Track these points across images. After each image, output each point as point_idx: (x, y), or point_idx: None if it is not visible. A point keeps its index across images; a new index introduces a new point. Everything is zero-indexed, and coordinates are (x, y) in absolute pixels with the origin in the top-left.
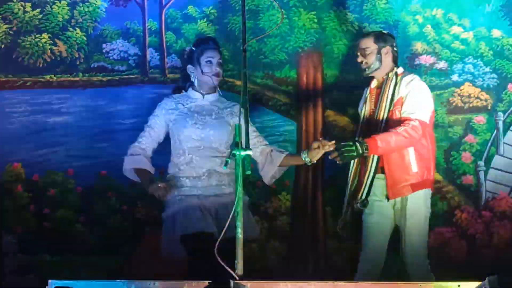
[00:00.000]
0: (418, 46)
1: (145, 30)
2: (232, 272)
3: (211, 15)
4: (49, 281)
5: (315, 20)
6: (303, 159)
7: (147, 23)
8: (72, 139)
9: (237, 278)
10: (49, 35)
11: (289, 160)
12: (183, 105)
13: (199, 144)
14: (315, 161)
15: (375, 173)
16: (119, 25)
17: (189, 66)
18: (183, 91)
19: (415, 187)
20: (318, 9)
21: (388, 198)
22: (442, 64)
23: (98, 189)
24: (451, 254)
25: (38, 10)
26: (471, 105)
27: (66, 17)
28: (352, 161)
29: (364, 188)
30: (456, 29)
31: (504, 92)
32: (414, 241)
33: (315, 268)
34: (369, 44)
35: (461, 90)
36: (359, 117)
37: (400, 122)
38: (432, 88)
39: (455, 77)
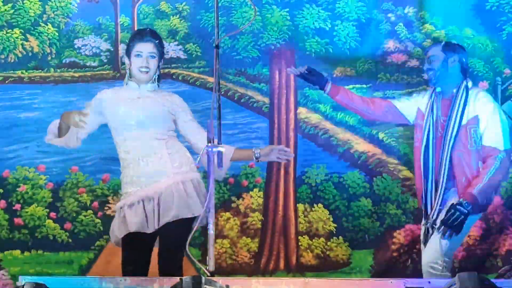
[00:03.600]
0: (391, 44)
1: (117, 25)
2: (203, 268)
3: (184, 11)
4: (20, 277)
5: (288, 17)
6: (255, 154)
7: (119, 18)
8: (43, 135)
9: (209, 274)
10: (21, 30)
11: (239, 154)
12: (118, 94)
13: (135, 128)
14: (264, 160)
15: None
16: (91, 21)
17: (125, 57)
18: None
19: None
20: (291, 6)
21: None
22: (414, 62)
23: (69, 185)
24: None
25: (10, 5)
26: None
27: (38, 12)
28: None
29: (435, 208)
30: (428, 27)
31: None
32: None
33: (287, 265)
34: (436, 52)
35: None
36: (425, 118)
37: (484, 152)
38: (404, 86)
39: (426, 76)
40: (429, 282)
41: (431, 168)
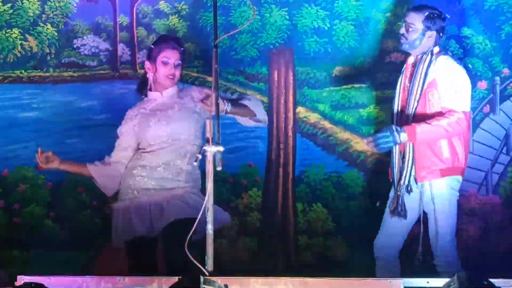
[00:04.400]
0: (389, 43)
1: (116, 25)
2: (202, 268)
3: (182, 10)
4: (18, 276)
5: (287, 17)
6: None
7: (118, 18)
8: (42, 135)
9: (207, 274)
10: (20, 30)
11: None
12: (145, 109)
13: (166, 139)
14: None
15: (412, 155)
16: (90, 21)
17: (146, 63)
18: (143, 96)
19: (444, 172)
20: (290, 6)
21: (416, 180)
22: None
23: (68, 185)
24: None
25: (9, 5)
26: None
27: (37, 12)
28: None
29: (406, 173)
30: None
31: (473, 90)
32: (443, 226)
33: (286, 264)
34: (416, 21)
35: None
36: (395, 91)
37: (438, 112)
38: None
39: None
40: (428, 282)
41: None
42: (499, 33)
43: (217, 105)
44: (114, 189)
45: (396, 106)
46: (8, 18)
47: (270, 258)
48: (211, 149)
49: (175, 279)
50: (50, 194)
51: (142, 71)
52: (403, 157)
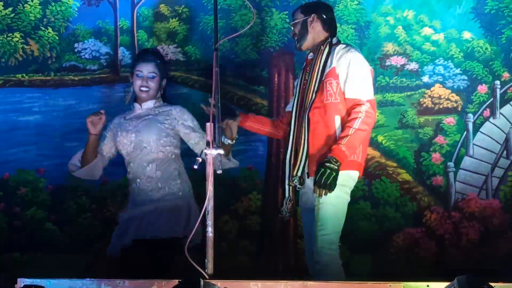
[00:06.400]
0: (389, 47)
1: (116, 29)
2: (202, 271)
3: (183, 13)
4: (19, 279)
5: (287, 20)
6: (225, 143)
7: (119, 22)
8: (43, 138)
9: (207, 277)
10: (21, 34)
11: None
12: (125, 118)
13: (132, 149)
14: (234, 139)
15: (307, 147)
16: (91, 25)
17: (129, 76)
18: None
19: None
20: (290, 9)
21: (308, 175)
22: (413, 65)
23: (69, 188)
24: (420, 254)
25: (10, 9)
26: (441, 106)
27: (38, 16)
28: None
29: (300, 164)
30: (427, 31)
31: (474, 94)
32: (328, 227)
33: (285, 267)
34: (297, 15)
35: (431, 91)
36: (294, 87)
37: (336, 102)
38: (403, 89)
39: (425, 78)
40: (428, 285)
41: (293, 131)
42: (499, 37)
43: (218, 108)
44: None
45: (295, 101)
46: (9, 22)
47: (269, 261)
48: (212, 152)
49: (175, 282)
50: (50, 198)
51: None
52: (295, 151)
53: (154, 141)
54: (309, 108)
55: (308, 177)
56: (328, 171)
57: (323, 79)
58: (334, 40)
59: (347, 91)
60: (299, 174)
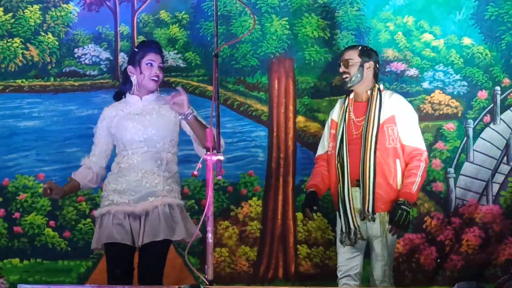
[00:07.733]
0: (389, 53)
1: (117, 34)
2: (202, 277)
3: (183, 20)
4: (19, 285)
5: (287, 26)
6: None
7: (119, 27)
8: (42, 144)
9: (207, 283)
10: (21, 39)
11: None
12: (123, 111)
13: (143, 145)
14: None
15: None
16: (91, 30)
17: (129, 67)
18: (123, 96)
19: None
20: (290, 15)
21: (374, 212)
22: (413, 71)
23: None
24: (420, 260)
25: (10, 14)
26: (441, 112)
27: (38, 21)
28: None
29: (369, 202)
30: (427, 37)
31: (474, 100)
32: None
33: (286, 273)
34: (353, 56)
35: (431, 97)
36: (339, 125)
37: (395, 147)
38: (403, 95)
39: (425, 84)
40: None
41: (346, 169)
42: (499, 43)
43: (218, 115)
44: (94, 185)
45: (340, 137)
46: (9, 27)
47: (270, 267)
48: (212, 158)
49: None
50: (50, 203)
51: None
52: (357, 186)
53: (168, 141)
54: (372, 149)
55: (374, 213)
56: (405, 213)
57: (381, 122)
58: (381, 87)
59: (407, 139)
60: (370, 211)
